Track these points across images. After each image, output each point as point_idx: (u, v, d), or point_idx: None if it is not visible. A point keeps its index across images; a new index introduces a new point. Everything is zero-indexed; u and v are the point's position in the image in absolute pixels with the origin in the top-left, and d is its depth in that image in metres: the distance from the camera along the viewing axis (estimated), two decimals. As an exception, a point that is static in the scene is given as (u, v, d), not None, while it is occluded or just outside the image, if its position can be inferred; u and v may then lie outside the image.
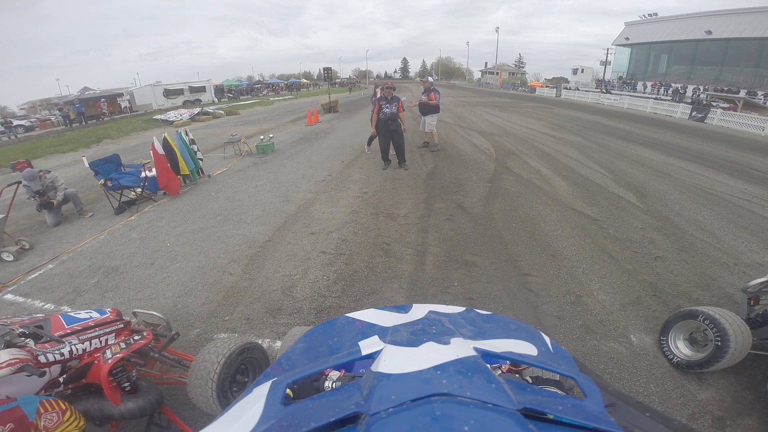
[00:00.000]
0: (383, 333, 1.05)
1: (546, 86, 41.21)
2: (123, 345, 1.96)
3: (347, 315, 1.31)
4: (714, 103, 20.41)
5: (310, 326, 2.36)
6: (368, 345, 0.98)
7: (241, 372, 2.06)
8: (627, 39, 39.79)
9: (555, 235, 4.61)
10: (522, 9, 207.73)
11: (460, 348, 0.84)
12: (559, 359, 1.00)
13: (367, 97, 29.93)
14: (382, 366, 0.78)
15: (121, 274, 4.03)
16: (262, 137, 9.98)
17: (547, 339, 1.11)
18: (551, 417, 0.65)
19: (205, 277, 3.85)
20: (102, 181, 5.85)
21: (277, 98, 34.68)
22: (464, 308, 1.30)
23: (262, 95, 41.19)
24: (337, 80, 57.33)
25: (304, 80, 63.61)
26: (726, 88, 26.60)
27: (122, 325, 2.11)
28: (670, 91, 29.80)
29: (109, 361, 1.80)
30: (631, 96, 27.56)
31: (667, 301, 3.34)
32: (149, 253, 4.47)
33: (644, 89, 33.54)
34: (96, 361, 1.83)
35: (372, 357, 0.91)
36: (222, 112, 21.66)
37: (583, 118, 16.73)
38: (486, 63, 71.07)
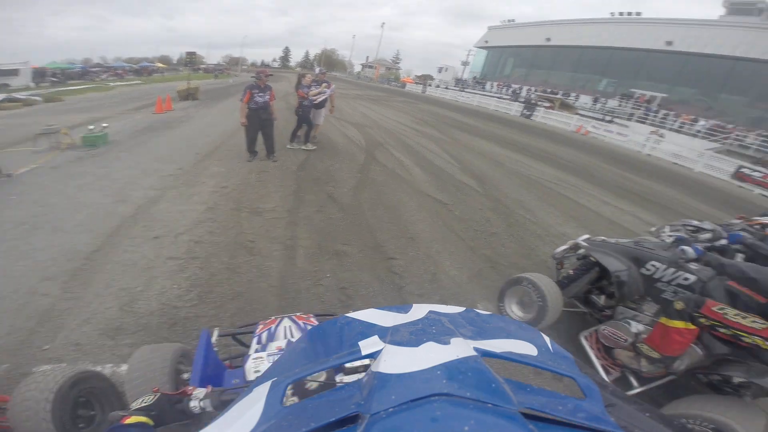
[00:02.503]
0: (383, 333, 1.02)
1: (415, 82, 44.39)
2: None
3: (347, 315, 1.26)
4: (539, 103, 25.08)
5: (162, 343, 2.04)
6: (368, 345, 0.95)
7: (83, 405, 1.75)
8: (486, 42, 45.05)
9: (413, 220, 5.02)
10: (407, 6, 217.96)
11: (460, 348, 0.84)
12: (559, 359, 1.01)
13: (237, 85, 27.57)
14: (382, 366, 0.77)
15: None
16: (91, 127, 8.17)
17: (547, 339, 1.11)
18: (551, 417, 0.65)
19: (5, 302, 2.98)
20: None
21: (119, 83, 29.14)
22: (464, 308, 1.29)
23: (100, 80, 34.02)
24: (202, 66, 51.05)
25: (160, 64, 54.94)
26: (549, 90, 32.00)
27: None
28: (510, 91, 34.63)
29: None
30: (480, 95, 31.84)
31: (501, 271, 3.95)
32: None
33: (492, 89, 38.00)
34: None
35: (372, 357, 0.89)
36: (38, 98, 17.10)
37: (442, 114, 18.67)
38: (367, 57, 72.92)
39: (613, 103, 27.29)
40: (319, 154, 8.01)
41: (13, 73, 24.99)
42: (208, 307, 3.06)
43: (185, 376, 1.73)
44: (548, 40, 36.84)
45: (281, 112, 12.94)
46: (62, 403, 1.61)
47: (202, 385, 1.23)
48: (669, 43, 28.01)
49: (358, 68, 75.55)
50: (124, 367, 2.36)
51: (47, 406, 1.56)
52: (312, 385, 1.23)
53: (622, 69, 31.57)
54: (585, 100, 29.35)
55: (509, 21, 43.69)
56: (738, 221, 4.09)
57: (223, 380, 1.51)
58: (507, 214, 5.62)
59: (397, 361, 0.78)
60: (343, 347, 1.02)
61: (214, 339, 1.72)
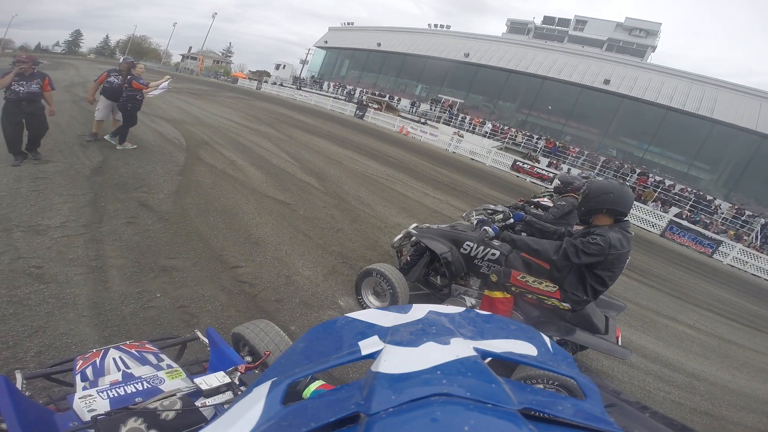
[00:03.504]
0: (383, 333, 0.99)
1: (249, 78, 41.66)
2: None
3: (347, 315, 1.16)
4: (370, 105, 27.22)
5: None
6: (368, 345, 0.92)
7: None
8: (326, 42, 45.50)
9: (255, 223, 4.85)
10: None
11: (460, 348, 0.83)
12: (559, 359, 1.00)
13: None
14: (382, 366, 0.75)
15: None
16: None
17: (546, 339, 1.09)
18: (551, 417, 0.64)
19: None
20: None
21: None
22: (464, 308, 1.23)
23: None
24: None
25: None
26: (378, 93, 34.73)
27: None
28: (345, 92, 36.13)
29: None
30: (317, 94, 32.39)
31: (353, 265, 4.19)
32: None
33: (328, 89, 39.06)
34: None
35: (372, 357, 0.86)
36: None
37: (278, 112, 18.27)
38: (190, 47, 64.12)
39: (425, 106, 31.76)
40: (120, 154, 6.70)
41: None
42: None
43: (4, 425, 1.38)
44: (379, 45, 40.15)
45: (65, 104, 10.25)
46: None
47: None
48: (466, 54, 34.42)
49: (177, 59, 65.78)
50: None
51: None
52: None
53: (433, 76, 37.11)
54: (405, 103, 33.08)
55: (348, 23, 45.50)
56: (519, 203, 5.29)
57: (56, 425, 1.31)
58: (349, 210, 6.03)
59: (397, 361, 0.78)
60: (342, 347, 1.00)
61: (20, 384, 1.44)
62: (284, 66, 49.24)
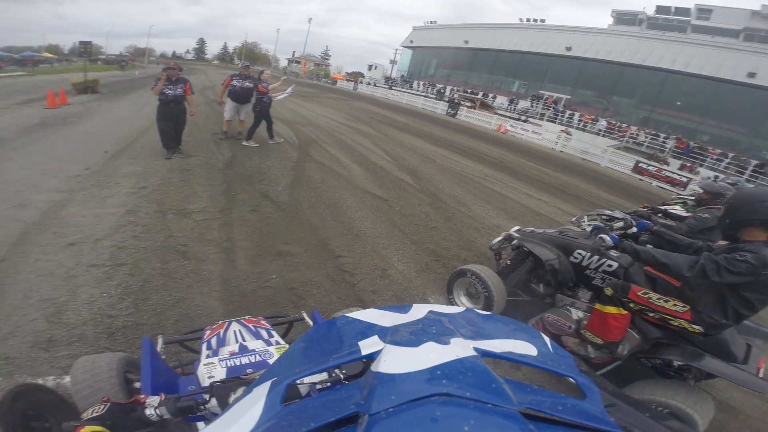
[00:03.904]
0: (383, 333, 1.01)
1: (346, 79, 43.98)
2: None
3: (347, 315, 1.23)
4: (462, 102, 26.55)
5: (103, 353, 1.88)
6: (368, 345, 0.94)
7: (34, 418, 1.60)
8: (411, 42, 46.43)
9: (356, 216, 5.10)
10: (334, 2, 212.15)
11: (460, 348, 0.83)
12: (559, 359, 1.02)
13: (145, 78, 24.86)
14: (382, 366, 0.76)
15: None
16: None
17: (546, 339, 1.11)
18: (551, 417, 0.65)
19: None
20: None
21: (-3, 73, 24.44)
22: (464, 308, 1.29)
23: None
24: (101, 56, 44.85)
25: (48, 54, 47.07)
26: (470, 90, 34.00)
27: None
28: (435, 91, 35.91)
29: None
30: (408, 93, 32.82)
31: (446, 264, 4.13)
32: None
33: (418, 87, 39.36)
34: None
35: (372, 357, 0.88)
36: None
37: (374, 111, 18.95)
38: (294, 52, 70.41)
39: (525, 103, 29.83)
40: (247, 151, 7.65)
41: None
42: (147, 315, 2.85)
43: (137, 384, 1.66)
44: (466, 42, 39.19)
45: (200, 106, 12.09)
46: (7, 417, 1.47)
47: (155, 393, 1.21)
48: (568, 48, 31.60)
49: (283, 63, 72.66)
50: (67, 379, 2.18)
51: None
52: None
53: (531, 72, 34.86)
54: (501, 100, 31.60)
55: (431, 22, 45.29)
56: (643, 210, 4.61)
57: (178, 387, 1.49)
58: (444, 208, 5.96)
59: (397, 361, 0.79)
60: (343, 347, 1.03)
61: (159, 347, 1.67)
62: (375, 66, 50.55)
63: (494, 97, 32.07)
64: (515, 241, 3.32)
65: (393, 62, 49.51)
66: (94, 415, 1.19)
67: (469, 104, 26.06)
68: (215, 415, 1.20)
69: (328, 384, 1.28)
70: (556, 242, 3.03)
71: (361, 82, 39.98)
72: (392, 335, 0.98)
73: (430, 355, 0.80)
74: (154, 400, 1.11)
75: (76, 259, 3.45)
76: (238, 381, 1.27)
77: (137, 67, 41.39)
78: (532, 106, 28.63)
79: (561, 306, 2.91)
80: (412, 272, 3.94)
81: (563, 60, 32.53)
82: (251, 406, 0.79)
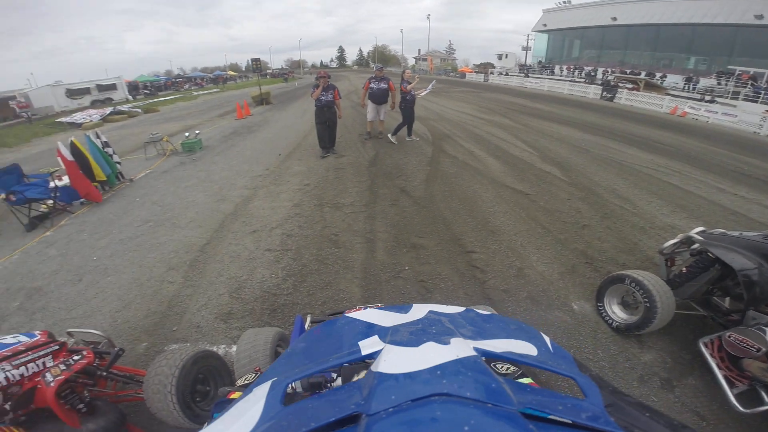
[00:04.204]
0: (383, 333, 1.05)
1: (475, 72, 42.82)
2: (63, 366, 1.85)
3: (347, 315, 1.30)
4: (621, 84, 22.77)
5: (265, 327, 2.29)
6: (368, 345, 0.97)
7: (200, 381, 2.02)
8: (545, 25, 42.52)
9: (492, 212, 4.88)
10: None
11: (460, 348, 0.84)
12: (559, 359, 1.01)
13: (303, 88, 28.98)
14: (382, 366, 0.78)
15: (46, 294, 3.58)
16: (187, 134, 9.21)
17: (547, 339, 1.11)
18: (551, 417, 0.65)
19: (143, 288, 3.54)
20: (3, 195, 5.05)
21: (201, 92, 32.24)
22: (464, 308, 1.31)
23: (184, 90, 38.00)
24: (268, 71, 54.63)
25: (231, 72, 59.73)
26: (629, 71, 29.33)
27: (57, 347, 1.98)
28: (583, 74, 32.27)
29: (52, 384, 1.73)
30: (550, 79, 29.82)
31: (598, 268, 3.63)
32: (74, 269, 3.99)
33: (561, 72, 35.93)
34: (39, 386, 1.75)
35: (372, 357, 0.91)
36: (139, 110, 19.67)
37: (509, 101, 17.78)
38: (419, 50, 72.08)
39: (708, 81, 24.12)
40: (386, 149, 8.14)
41: (113, 87, 28.56)
42: (301, 295, 3.31)
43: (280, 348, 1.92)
44: (614, 19, 33.84)
45: (347, 110, 13.36)
46: (185, 378, 1.86)
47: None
48: (758, 16, 24.00)
49: (411, 62, 74.64)
50: (233, 348, 2.67)
51: (173, 380, 1.81)
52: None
53: (711, 45, 27.92)
54: (674, 79, 26.38)
55: (564, 3, 40.59)
56: None
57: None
58: (600, 204, 5.19)
59: (397, 361, 0.78)
60: (343, 347, 1.04)
61: (306, 325, 1.85)
62: (506, 55, 47.55)
63: (663, 77, 26.90)
64: (697, 245, 2.77)
65: (526, 49, 45.81)
66: (245, 382, 1.39)
67: (630, 86, 22.17)
68: None
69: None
70: (757, 248, 2.44)
71: (492, 73, 38.12)
72: (392, 335, 0.97)
73: (430, 355, 0.79)
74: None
75: (257, 243, 4.26)
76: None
77: (296, 78, 48.61)
78: (719, 84, 22.71)
79: (753, 325, 2.35)
80: (554, 274, 3.56)
81: (757, 30, 24.69)
82: (251, 406, 0.80)
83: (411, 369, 0.75)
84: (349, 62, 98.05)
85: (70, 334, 2.40)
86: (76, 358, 1.96)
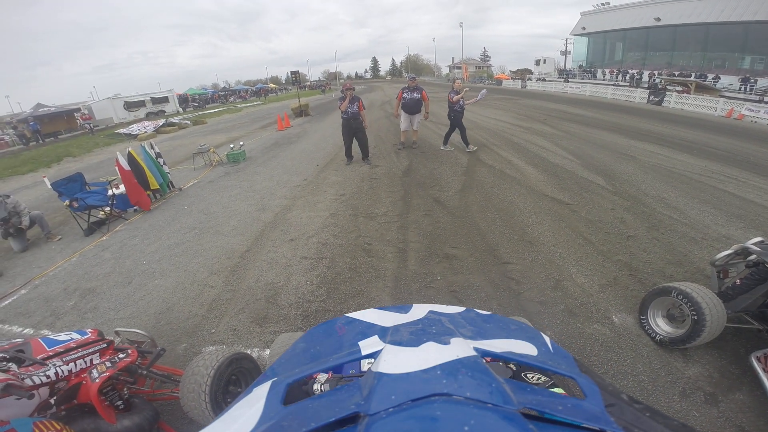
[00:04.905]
0: (383, 333, 1.05)
1: (511, 78, 41.99)
2: (109, 364, 1.96)
3: (347, 315, 1.31)
4: (669, 87, 21.47)
5: (297, 332, 2.35)
6: (368, 345, 0.98)
7: (232, 383, 2.09)
8: (584, 28, 41.10)
9: (530, 222, 4.74)
10: (480, 2, 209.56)
11: (460, 348, 0.84)
12: (559, 359, 1.01)
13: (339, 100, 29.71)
14: (382, 366, 0.78)
15: (98, 294, 3.89)
16: (232, 146, 9.75)
17: (547, 339, 1.11)
18: (551, 417, 0.65)
19: (186, 291, 3.76)
20: (67, 202, 5.59)
21: (245, 105, 33.95)
22: (464, 308, 1.30)
23: (229, 102, 40.24)
24: (307, 83, 56.62)
25: (272, 85, 62.45)
26: (678, 73, 27.79)
27: (105, 345, 2.10)
28: (627, 77, 30.77)
29: (97, 380, 1.82)
30: (592, 84, 28.63)
31: (643, 280, 3.44)
32: (125, 271, 4.32)
33: (603, 76, 34.56)
34: (84, 382, 1.84)
35: (372, 357, 0.91)
36: (188, 122, 21.05)
37: (549, 108, 17.23)
38: (453, 58, 71.75)
39: (767, 81, 22.24)
40: (420, 158, 8.15)
41: (165, 100, 30.74)
42: (334, 303, 3.37)
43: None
44: (658, 20, 32.06)
45: (381, 120, 13.52)
46: (219, 379, 1.92)
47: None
48: None
49: (445, 71, 74.30)
50: (267, 352, 2.74)
51: (208, 380, 1.87)
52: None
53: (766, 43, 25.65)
54: (728, 80, 24.65)
55: (603, 4, 38.96)
56: None
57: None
58: (647, 214, 4.89)
59: (397, 361, 0.78)
60: (343, 347, 1.04)
61: None
62: (544, 60, 46.46)
63: (716, 78, 25.13)
64: (753, 256, 2.63)
65: (564, 53, 44.23)
66: None
67: (679, 88, 20.85)
68: None
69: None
70: None
71: (530, 79, 37.15)
72: (392, 335, 0.97)
73: (430, 355, 0.79)
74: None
75: (294, 251, 4.40)
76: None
77: (332, 89, 49.99)
78: (779, 83, 20.84)
79: None
80: (595, 286, 3.40)
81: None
82: (251, 406, 0.80)
83: (411, 369, 0.75)
84: (382, 72, 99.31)
85: (117, 333, 2.55)
86: (121, 356, 2.06)
